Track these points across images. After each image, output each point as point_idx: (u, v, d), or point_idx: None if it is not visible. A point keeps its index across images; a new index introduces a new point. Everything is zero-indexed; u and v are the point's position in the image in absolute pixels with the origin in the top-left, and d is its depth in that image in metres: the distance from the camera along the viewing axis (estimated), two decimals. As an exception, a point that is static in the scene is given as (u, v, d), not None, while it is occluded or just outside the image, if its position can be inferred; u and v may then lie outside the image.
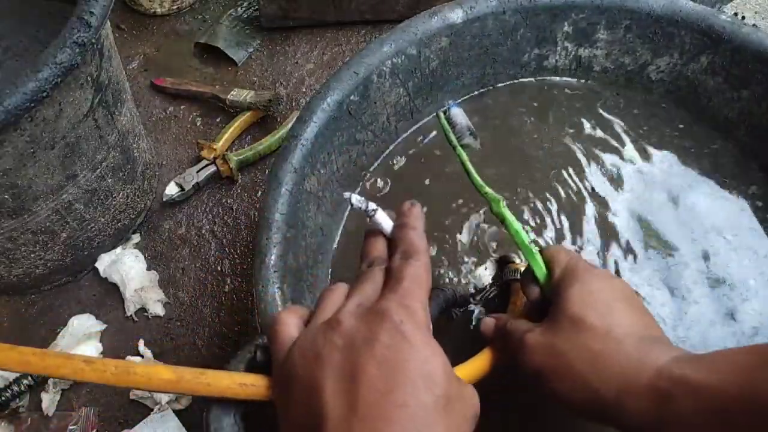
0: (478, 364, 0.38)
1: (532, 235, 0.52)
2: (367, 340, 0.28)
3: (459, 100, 0.61)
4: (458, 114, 0.47)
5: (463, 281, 0.50)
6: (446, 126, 0.46)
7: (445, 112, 0.47)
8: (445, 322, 0.48)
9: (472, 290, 0.50)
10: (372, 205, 0.34)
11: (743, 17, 0.96)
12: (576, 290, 0.36)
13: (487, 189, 0.42)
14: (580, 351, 0.34)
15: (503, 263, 0.50)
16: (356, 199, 0.34)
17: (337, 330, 0.29)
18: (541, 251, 0.41)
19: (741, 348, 0.31)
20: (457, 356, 0.41)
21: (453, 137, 0.45)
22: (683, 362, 0.31)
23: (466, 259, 0.51)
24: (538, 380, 0.35)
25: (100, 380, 0.31)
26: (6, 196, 0.46)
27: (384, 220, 0.35)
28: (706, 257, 0.51)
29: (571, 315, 0.35)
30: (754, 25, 0.58)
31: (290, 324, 0.32)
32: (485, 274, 0.50)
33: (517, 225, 0.41)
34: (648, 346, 0.33)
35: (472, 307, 0.49)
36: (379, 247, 0.35)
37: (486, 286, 0.50)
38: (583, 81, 0.62)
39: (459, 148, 0.44)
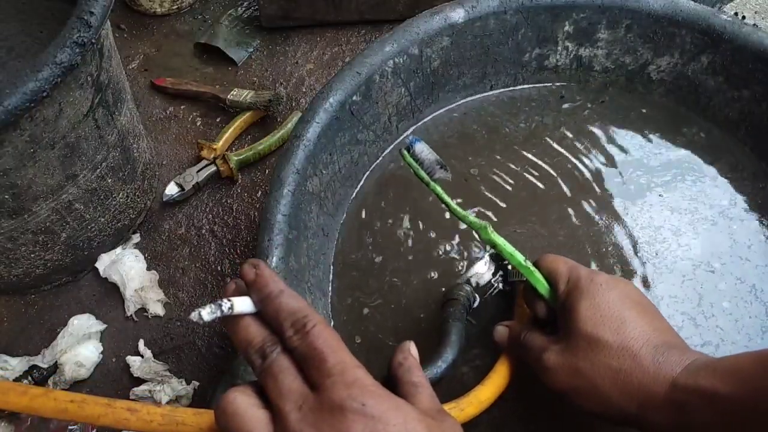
0: (500, 377, 0.40)
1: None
2: None
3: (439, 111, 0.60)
4: (423, 149, 0.44)
5: (464, 278, 0.50)
6: (414, 164, 0.44)
7: (408, 149, 0.44)
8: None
9: (474, 285, 0.50)
10: (225, 304, 0.29)
11: (743, 17, 0.95)
12: (585, 307, 0.36)
13: (471, 218, 0.42)
14: (599, 370, 0.35)
15: (502, 259, 0.50)
16: (207, 313, 0.28)
17: None
18: (537, 263, 0.41)
19: (747, 355, 0.33)
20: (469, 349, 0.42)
21: (423, 174, 0.44)
22: (696, 371, 0.33)
23: (466, 255, 0.51)
24: (564, 397, 0.37)
25: (146, 429, 0.29)
26: (6, 196, 0.46)
27: (245, 305, 0.30)
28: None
29: (585, 334, 0.36)
30: (754, 25, 0.57)
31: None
32: (485, 270, 0.50)
33: (509, 248, 0.41)
34: (663, 357, 0.34)
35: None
36: (256, 331, 0.29)
37: (488, 283, 0.50)
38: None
39: (432, 183, 0.43)
